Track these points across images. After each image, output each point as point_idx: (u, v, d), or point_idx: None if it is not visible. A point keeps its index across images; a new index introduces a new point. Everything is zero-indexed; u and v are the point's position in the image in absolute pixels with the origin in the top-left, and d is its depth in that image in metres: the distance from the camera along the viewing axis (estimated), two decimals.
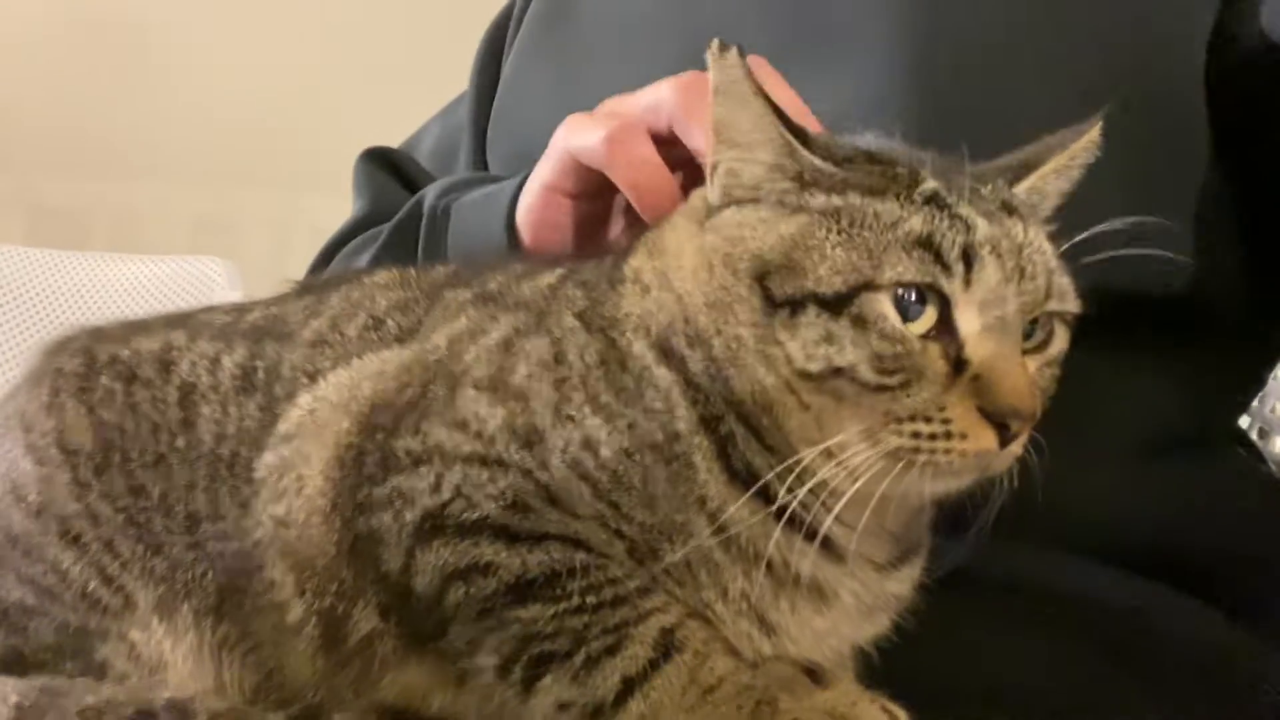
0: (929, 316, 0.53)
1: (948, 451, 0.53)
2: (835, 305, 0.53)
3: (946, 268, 0.53)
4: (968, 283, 0.53)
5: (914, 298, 0.53)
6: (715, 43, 0.56)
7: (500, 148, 1.04)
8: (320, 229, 1.12)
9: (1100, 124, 0.61)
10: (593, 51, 0.93)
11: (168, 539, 0.63)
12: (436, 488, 0.56)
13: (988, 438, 0.53)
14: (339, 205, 1.17)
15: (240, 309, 0.72)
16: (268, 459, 0.62)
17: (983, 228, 0.54)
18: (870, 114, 0.69)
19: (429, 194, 0.97)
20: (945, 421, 0.52)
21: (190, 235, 2.98)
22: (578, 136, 0.71)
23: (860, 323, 0.53)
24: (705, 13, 0.74)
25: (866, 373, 0.53)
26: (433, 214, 0.94)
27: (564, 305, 0.61)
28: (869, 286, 0.53)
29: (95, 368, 0.67)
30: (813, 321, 0.53)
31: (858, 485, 0.53)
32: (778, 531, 0.55)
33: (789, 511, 0.55)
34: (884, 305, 0.53)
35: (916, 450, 0.53)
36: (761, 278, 0.55)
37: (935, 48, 0.79)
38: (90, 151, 3.06)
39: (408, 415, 0.59)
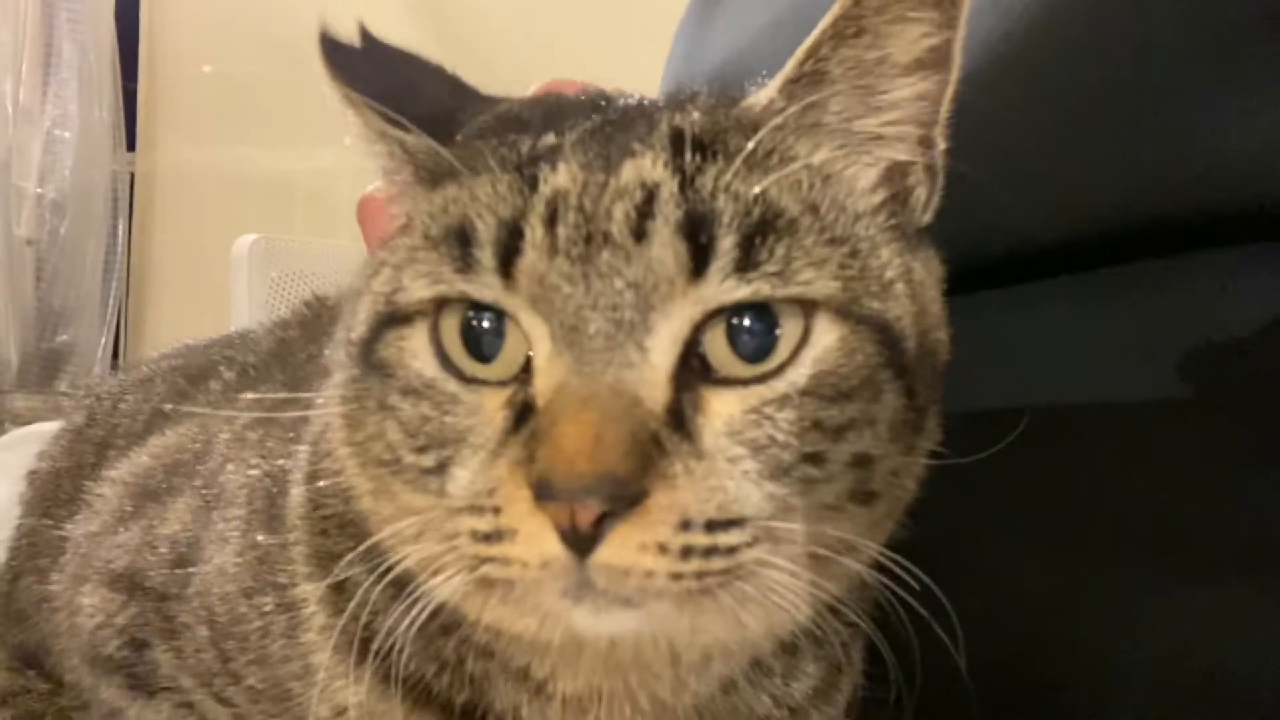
0: (509, 346, 0.34)
1: (506, 562, 0.33)
2: (364, 353, 0.37)
3: (469, 261, 0.34)
4: (507, 275, 0.33)
5: (485, 323, 0.34)
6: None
7: None
8: None
9: None
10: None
11: None
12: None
13: (542, 536, 0.31)
14: None
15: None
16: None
17: (559, 179, 0.34)
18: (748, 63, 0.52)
19: None
20: (496, 511, 0.33)
21: None
22: None
23: (385, 373, 0.36)
24: None
25: (403, 451, 0.35)
26: None
27: None
28: (391, 320, 0.36)
29: None
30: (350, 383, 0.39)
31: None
32: None
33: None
34: (413, 341, 0.36)
35: (477, 561, 0.34)
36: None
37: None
38: None
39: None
